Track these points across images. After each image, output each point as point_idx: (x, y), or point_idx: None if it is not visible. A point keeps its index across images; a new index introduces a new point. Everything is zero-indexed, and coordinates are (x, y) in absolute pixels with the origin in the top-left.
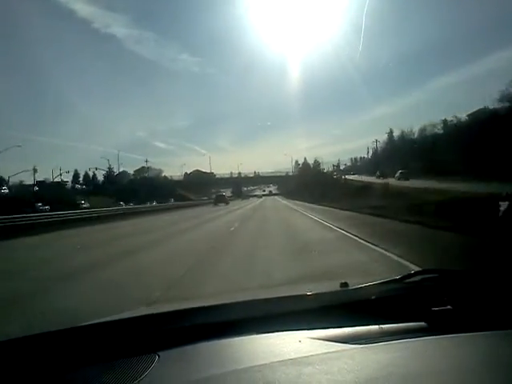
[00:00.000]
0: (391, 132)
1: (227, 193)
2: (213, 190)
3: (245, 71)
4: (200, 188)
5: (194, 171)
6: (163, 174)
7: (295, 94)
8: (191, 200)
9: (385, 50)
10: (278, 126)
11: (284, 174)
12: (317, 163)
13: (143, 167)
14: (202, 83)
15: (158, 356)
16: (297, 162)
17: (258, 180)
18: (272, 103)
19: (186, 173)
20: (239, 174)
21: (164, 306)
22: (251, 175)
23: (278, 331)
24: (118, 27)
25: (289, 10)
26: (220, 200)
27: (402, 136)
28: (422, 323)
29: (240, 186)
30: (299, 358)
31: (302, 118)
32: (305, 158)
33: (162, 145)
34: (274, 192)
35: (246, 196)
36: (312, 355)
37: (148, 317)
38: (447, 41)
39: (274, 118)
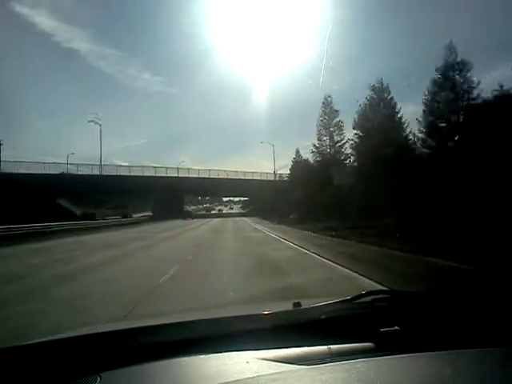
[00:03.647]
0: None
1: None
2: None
3: (208, 92)
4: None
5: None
6: None
7: (260, 115)
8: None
9: (346, 77)
10: (243, 147)
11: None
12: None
13: None
14: (164, 102)
15: (100, 377)
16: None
17: (218, 188)
18: (237, 124)
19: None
20: (177, 173)
21: (109, 325)
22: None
23: (226, 351)
24: (80, 42)
25: (254, 33)
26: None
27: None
28: (370, 344)
29: (180, 196)
30: (244, 379)
31: (267, 140)
32: (296, 154)
33: (120, 162)
34: (239, 211)
35: (189, 214)
36: (258, 376)
37: (90, 336)
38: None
39: (238, 138)
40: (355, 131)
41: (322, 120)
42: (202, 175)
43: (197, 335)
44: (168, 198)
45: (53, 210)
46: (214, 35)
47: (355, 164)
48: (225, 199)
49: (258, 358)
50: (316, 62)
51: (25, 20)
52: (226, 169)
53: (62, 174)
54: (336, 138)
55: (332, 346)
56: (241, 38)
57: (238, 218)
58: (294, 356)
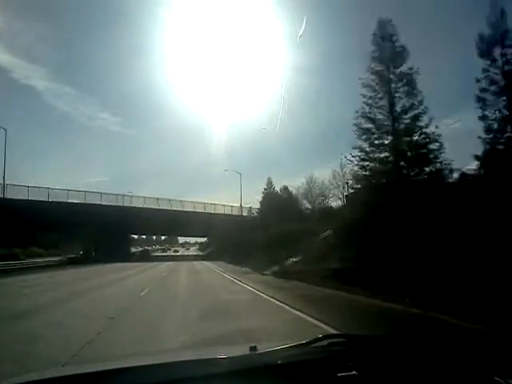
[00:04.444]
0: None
1: None
2: None
3: (166, 133)
4: None
5: None
6: None
7: (218, 156)
8: None
9: (301, 123)
10: (201, 189)
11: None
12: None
13: None
14: (122, 142)
15: None
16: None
17: (172, 224)
18: (195, 164)
19: None
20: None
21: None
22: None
23: None
24: (38, 79)
25: (212, 75)
26: None
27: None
28: None
29: (124, 231)
30: None
31: (225, 182)
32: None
33: (77, 201)
34: (197, 253)
35: (146, 254)
36: None
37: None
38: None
39: (196, 179)
40: None
41: None
42: (149, 205)
43: (149, 381)
44: (111, 233)
45: None
46: (173, 78)
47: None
48: (181, 240)
49: None
50: (274, 106)
51: None
52: (182, 199)
53: None
54: None
55: None
56: (200, 82)
57: (196, 262)
58: None
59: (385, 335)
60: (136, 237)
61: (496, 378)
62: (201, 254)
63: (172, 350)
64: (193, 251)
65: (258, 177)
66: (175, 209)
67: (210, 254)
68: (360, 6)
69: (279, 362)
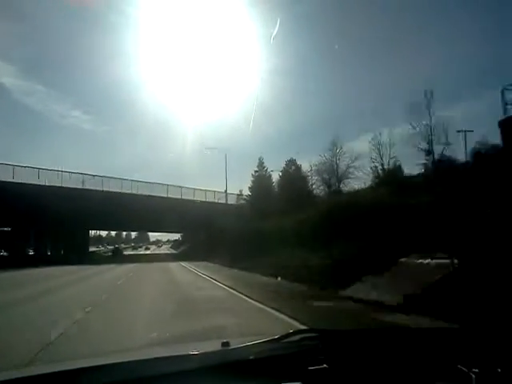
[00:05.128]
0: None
1: None
2: None
3: (140, 130)
4: None
5: None
6: None
7: (192, 155)
8: None
9: (275, 122)
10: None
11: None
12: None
13: None
14: (95, 140)
15: None
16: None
17: (138, 216)
18: (169, 163)
19: None
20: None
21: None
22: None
23: None
24: (7, 77)
25: (186, 74)
26: None
27: None
28: (299, 383)
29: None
30: None
31: (199, 181)
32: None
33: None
34: (170, 251)
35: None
36: None
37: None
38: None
39: (170, 178)
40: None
41: None
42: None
43: (118, 379)
44: (69, 227)
45: None
46: (145, 76)
47: None
48: (152, 238)
49: None
50: (248, 105)
51: None
52: (152, 181)
53: None
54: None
55: None
56: (174, 80)
57: (172, 265)
58: None
59: (355, 330)
60: (105, 234)
61: (459, 366)
62: (174, 252)
63: (143, 347)
64: (165, 249)
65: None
66: (143, 193)
67: (183, 252)
68: (331, 7)
69: (251, 357)
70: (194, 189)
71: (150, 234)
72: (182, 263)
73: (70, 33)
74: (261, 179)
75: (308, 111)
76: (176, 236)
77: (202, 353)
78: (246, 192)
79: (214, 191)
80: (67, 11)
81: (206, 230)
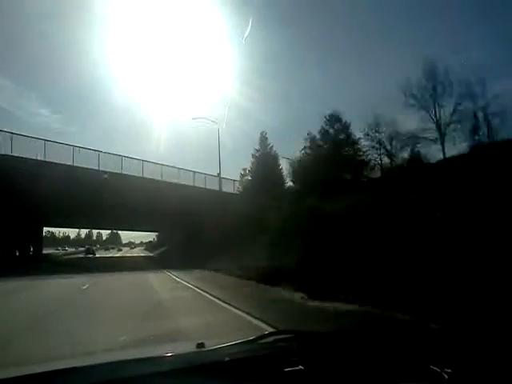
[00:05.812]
0: None
1: None
2: None
3: (110, 130)
4: None
5: None
6: None
7: (164, 156)
8: None
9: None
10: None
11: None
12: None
13: None
14: (63, 140)
15: None
16: None
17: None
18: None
19: None
20: None
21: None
22: None
23: None
24: None
25: (159, 73)
26: None
27: None
28: None
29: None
30: None
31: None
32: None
33: None
34: (145, 254)
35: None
36: None
37: None
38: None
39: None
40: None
41: None
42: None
43: (90, 381)
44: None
45: None
46: (117, 76)
47: None
48: (124, 240)
49: None
50: (221, 104)
51: None
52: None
53: None
54: None
55: None
56: (146, 80)
57: (157, 279)
58: None
59: (330, 331)
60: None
61: (432, 367)
62: (150, 254)
63: (115, 349)
64: (139, 251)
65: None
66: (113, 171)
67: (163, 255)
68: (304, 7)
69: (226, 358)
70: (179, 169)
71: (122, 235)
72: (172, 274)
73: (38, 30)
74: (264, 159)
75: (286, 108)
76: (150, 237)
77: (176, 354)
78: (248, 171)
79: (206, 174)
80: (35, 7)
81: (193, 226)
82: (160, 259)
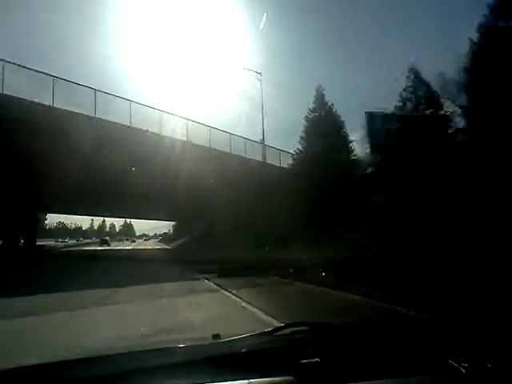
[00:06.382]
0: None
1: None
2: None
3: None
4: None
5: None
6: None
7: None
8: None
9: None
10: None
11: None
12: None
13: None
14: None
15: None
16: None
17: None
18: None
19: None
20: None
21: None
22: None
23: None
24: None
25: (173, 69)
26: None
27: None
28: (291, 376)
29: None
30: None
31: None
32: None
33: None
34: (161, 246)
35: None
36: None
37: None
38: None
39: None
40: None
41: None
42: None
43: (103, 372)
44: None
45: None
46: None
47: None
48: (138, 233)
49: None
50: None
51: None
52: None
53: None
54: None
55: (252, 380)
56: (162, 74)
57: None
58: None
59: (347, 323)
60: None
61: (450, 361)
62: (166, 247)
63: (132, 338)
64: (153, 244)
65: None
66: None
67: (182, 248)
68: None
69: (243, 350)
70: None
71: (135, 226)
72: (229, 292)
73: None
74: (322, 123)
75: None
76: (165, 228)
77: (192, 345)
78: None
79: (244, 138)
80: None
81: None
82: (183, 254)
